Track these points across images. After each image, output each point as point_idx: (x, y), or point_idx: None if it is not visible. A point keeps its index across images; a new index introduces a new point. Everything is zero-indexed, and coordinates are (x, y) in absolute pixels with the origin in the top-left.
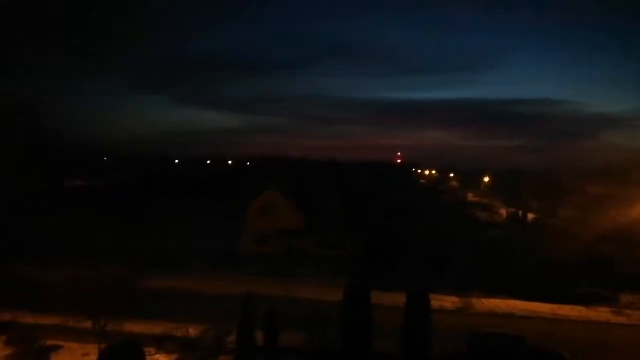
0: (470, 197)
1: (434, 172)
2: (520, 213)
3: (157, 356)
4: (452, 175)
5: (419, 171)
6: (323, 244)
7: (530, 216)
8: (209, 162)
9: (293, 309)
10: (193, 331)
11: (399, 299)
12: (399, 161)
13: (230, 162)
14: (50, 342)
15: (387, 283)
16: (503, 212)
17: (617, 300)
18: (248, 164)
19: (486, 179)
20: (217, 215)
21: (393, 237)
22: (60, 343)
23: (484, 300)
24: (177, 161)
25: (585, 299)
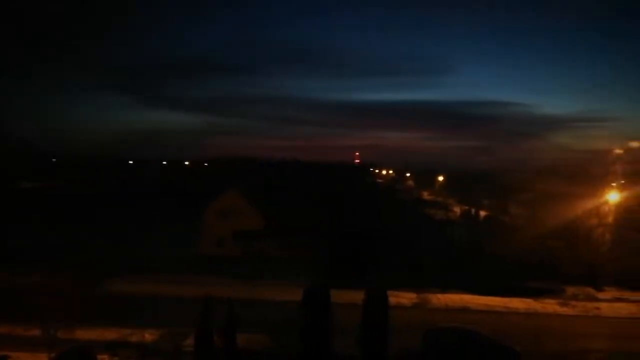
0: (425, 195)
1: (391, 171)
2: (473, 210)
3: None
4: (408, 174)
5: (377, 171)
6: (284, 245)
7: (483, 213)
8: (164, 162)
9: (253, 310)
10: (149, 336)
11: (359, 296)
12: (357, 161)
13: (187, 163)
14: None
15: (349, 281)
16: (457, 209)
17: (563, 292)
18: (206, 164)
19: (440, 178)
20: (175, 218)
21: (353, 236)
22: (8, 353)
23: (439, 296)
24: (130, 162)
25: (534, 291)
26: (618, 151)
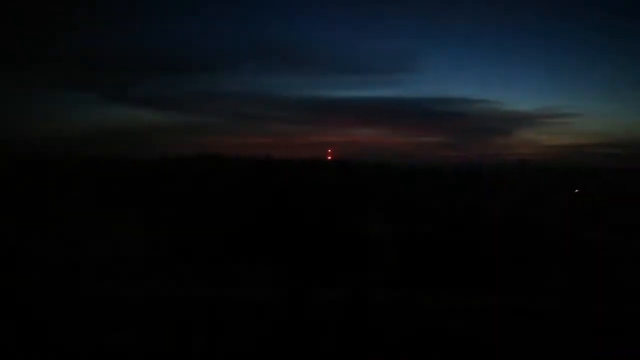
0: None
1: None
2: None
3: None
4: None
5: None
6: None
7: None
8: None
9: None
10: None
11: (339, 296)
12: (329, 158)
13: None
14: None
15: (327, 281)
16: None
17: None
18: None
19: None
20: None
21: (330, 234)
22: None
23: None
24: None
25: None
26: None
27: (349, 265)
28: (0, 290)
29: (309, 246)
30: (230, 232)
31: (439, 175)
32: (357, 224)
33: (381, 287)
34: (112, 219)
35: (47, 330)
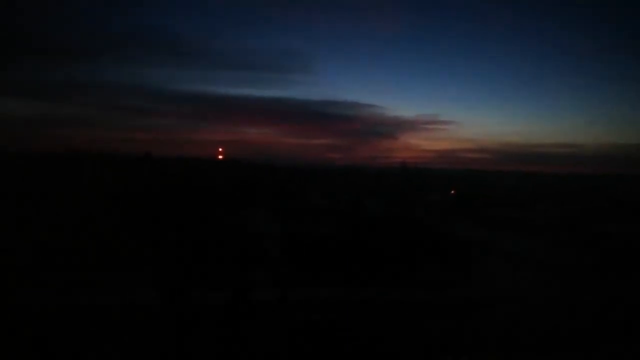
0: None
1: None
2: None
3: None
4: None
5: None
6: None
7: None
8: None
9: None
10: None
11: (221, 296)
12: (220, 157)
13: None
14: None
15: (208, 281)
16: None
17: None
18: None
19: None
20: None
21: (209, 234)
22: None
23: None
24: None
25: None
26: None
27: (234, 265)
28: None
29: (193, 247)
30: (106, 235)
31: (327, 176)
32: (244, 224)
33: (265, 285)
34: None
35: None
